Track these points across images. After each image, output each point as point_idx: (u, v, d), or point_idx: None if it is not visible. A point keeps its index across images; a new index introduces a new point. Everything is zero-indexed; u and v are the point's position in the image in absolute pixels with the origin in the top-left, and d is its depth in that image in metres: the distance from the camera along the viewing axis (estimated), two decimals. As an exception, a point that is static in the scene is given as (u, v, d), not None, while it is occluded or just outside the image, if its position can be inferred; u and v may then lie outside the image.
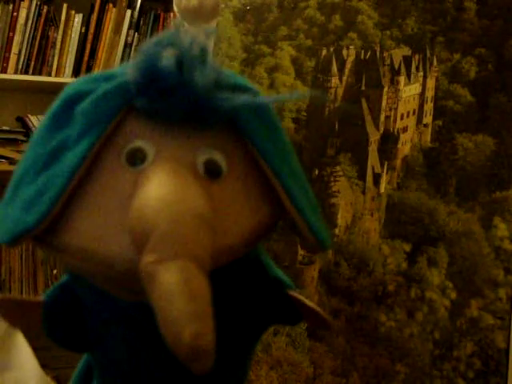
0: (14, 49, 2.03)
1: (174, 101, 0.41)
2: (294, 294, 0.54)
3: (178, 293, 0.35)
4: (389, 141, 1.33)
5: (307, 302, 0.53)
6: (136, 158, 0.41)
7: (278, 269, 0.56)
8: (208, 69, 0.42)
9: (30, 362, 0.57)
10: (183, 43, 0.41)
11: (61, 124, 0.43)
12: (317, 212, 0.46)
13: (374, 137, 1.35)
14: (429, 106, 1.28)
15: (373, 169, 1.34)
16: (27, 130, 1.96)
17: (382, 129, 1.35)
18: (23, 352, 0.56)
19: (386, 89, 1.35)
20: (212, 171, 0.42)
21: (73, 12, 2.09)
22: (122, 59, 2.05)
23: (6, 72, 2.01)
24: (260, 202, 0.44)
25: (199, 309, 0.35)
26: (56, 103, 0.45)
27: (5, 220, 0.43)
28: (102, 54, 2.09)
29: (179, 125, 0.42)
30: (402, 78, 1.33)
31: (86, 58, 2.08)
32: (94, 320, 0.52)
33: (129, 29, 2.08)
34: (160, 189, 0.38)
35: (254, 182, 0.44)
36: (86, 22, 2.09)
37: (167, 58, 0.40)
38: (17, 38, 2.04)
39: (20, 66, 2.03)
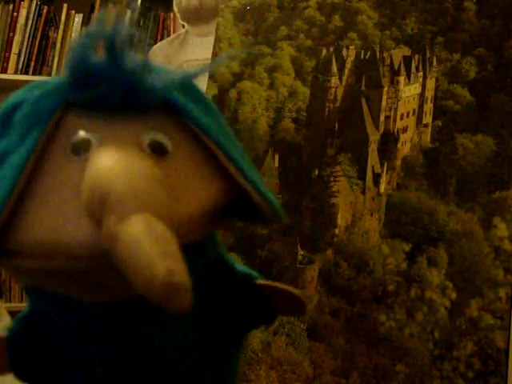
0: (14, 49, 2.03)
1: (106, 88, 0.41)
2: (261, 281, 0.54)
3: (142, 239, 0.34)
4: (389, 141, 1.33)
5: (276, 284, 0.53)
6: (81, 149, 0.41)
7: (243, 266, 0.56)
8: (134, 53, 0.43)
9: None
10: (108, 32, 0.42)
11: (1, 135, 0.43)
12: (265, 184, 0.46)
13: (374, 137, 1.36)
14: (429, 106, 1.28)
15: (373, 169, 1.34)
16: (27, 130, 1.96)
17: (381, 129, 1.35)
18: None
19: (385, 89, 1.35)
20: (158, 150, 0.42)
21: (73, 12, 2.09)
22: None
23: (6, 72, 2.02)
24: (211, 177, 0.44)
25: (168, 249, 0.34)
26: None
27: None
28: (102, 54, 2.09)
29: (119, 113, 0.43)
30: (402, 78, 1.33)
31: (86, 58, 2.08)
32: (63, 342, 0.50)
33: (129, 29, 2.08)
34: (108, 161, 0.38)
35: (202, 158, 0.44)
36: (86, 22, 2.09)
37: (94, 49, 0.42)
38: (17, 38, 2.04)
39: (20, 66, 2.04)
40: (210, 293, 0.50)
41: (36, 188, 0.41)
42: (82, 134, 0.42)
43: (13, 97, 0.46)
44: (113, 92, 0.42)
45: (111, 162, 0.38)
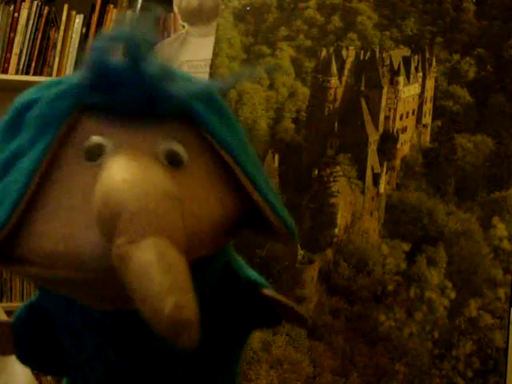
0: (15, 49, 2.04)
1: (124, 93, 0.40)
2: (267, 292, 0.52)
3: (153, 268, 0.33)
4: (388, 141, 1.34)
5: (281, 297, 0.52)
6: (94, 154, 0.40)
7: (251, 269, 0.54)
8: (155, 59, 0.41)
9: (20, 366, 0.55)
10: (129, 36, 0.40)
11: (13, 134, 0.42)
12: (281, 202, 0.45)
13: (374, 137, 1.36)
14: (428, 107, 1.29)
15: (372, 169, 1.34)
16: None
17: (381, 129, 1.35)
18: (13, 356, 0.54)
19: (385, 89, 1.35)
20: (173, 160, 0.41)
21: (74, 13, 2.10)
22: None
23: (6, 72, 2.02)
24: (225, 191, 0.43)
25: (177, 281, 0.33)
26: (5, 116, 0.44)
27: None
28: (102, 55, 2.09)
29: (136, 119, 0.41)
30: (402, 79, 1.33)
31: (86, 59, 2.09)
32: (67, 338, 0.49)
33: (129, 29, 2.09)
34: (122, 172, 0.37)
35: (217, 171, 0.43)
36: (86, 23, 2.10)
37: (114, 52, 0.40)
38: (18, 39, 2.04)
39: (21, 67, 2.04)
40: (214, 298, 0.49)
41: (46, 193, 0.39)
42: (96, 138, 0.40)
43: (25, 95, 0.44)
44: (133, 97, 0.40)
45: (126, 174, 0.36)
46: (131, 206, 0.35)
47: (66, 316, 0.48)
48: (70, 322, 0.48)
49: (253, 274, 0.53)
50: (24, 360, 0.53)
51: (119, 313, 0.42)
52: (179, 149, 0.41)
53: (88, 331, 0.47)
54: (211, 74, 1.68)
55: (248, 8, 1.70)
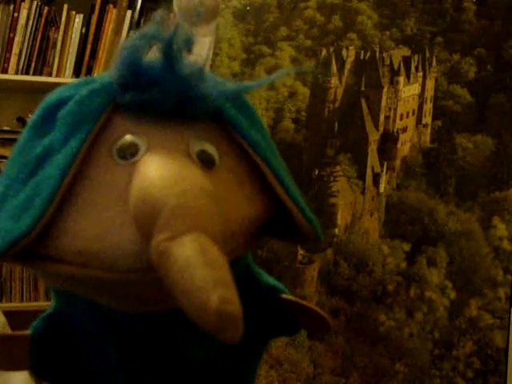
0: (15, 49, 2.04)
1: (159, 92, 0.40)
2: (288, 296, 0.52)
3: (197, 262, 0.33)
4: (388, 141, 1.34)
5: (302, 301, 0.51)
6: (128, 153, 0.40)
7: (269, 276, 0.54)
8: (192, 59, 0.41)
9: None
10: (166, 35, 0.40)
11: (44, 131, 0.41)
12: (307, 202, 0.45)
13: (374, 137, 1.36)
14: (428, 107, 1.29)
15: (372, 169, 1.34)
16: (28, 131, 1.97)
17: (381, 129, 1.35)
18: None
19: (385, 89, 1.35)
20: (206, 161, 0.41)
21: (73, 13, 2.10)
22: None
23: (6, 72, 2.02)
24: (255, 192, 0.43)
25: (221, 275, 0.33)
26: (37, 113, 0.44)
27: None
28: (102, 55, 2.09)
29: (169, 119, 0.41)
30: (402, 79, 1.33)
31: (86, 59, 2.09)
32: (87, 348, 0.48)
33: (129, 29, 2.09)
34: (159, 170, 0.37)
35: (247, 172, 0.43)
36: (86, 23, 2.10)
37: (151, 50, 0.40)
38: (17, 39, 2.04)
39: (21, 67, 2.04)
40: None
41: (79, 191, 0.39)
42: (129, 137, 0.40)
43: (57, 92, 0.43)
44: (166, 97, 0.40)
45: (162, 173, 0.36)
46: (171, 202, 0.34)
47: (88, 323, 0.47)
48: (91, 329, 0.47)
49: (272, 279, 0.53)
50: (38, 374, 0.51)
51: (147, 316, 0.42)
52: (211, 149, 0.41)
53: (110, 339, 0.46)
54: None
55: (248, 8, 1.70)
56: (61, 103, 0.42)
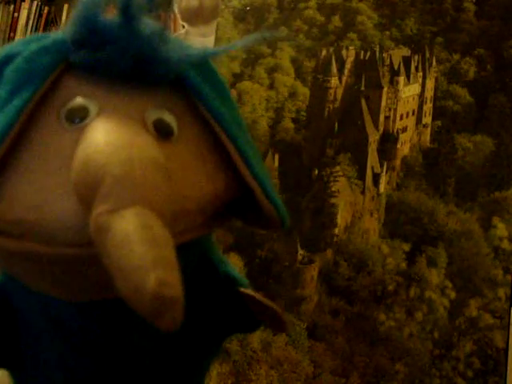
0: (15, 49, 2.04)
1: (114, 51, 0.36)
2: (246, 290, 0.47)
3: (136, 239, 0.30)
4: (388, 141, 1.34)
5: (261, 298, 0.46)
6: (77, 116, 0.36)
7: (231, 266, 0.49)
8: (150, 20, 0.38)
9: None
10: None
11: None
12: (273, 184, 0.41)
13: (374, 137, 1.36)
14: (428, 107, 1.29)
15: (372, 169, 1.34)
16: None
17: (381, 129, 1.35)
18: None
19: (385, 89, 1.35)
20: (162, 131, 0.37)
21: (73, 12, 2.10)
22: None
23: (6, 72, 2.02)
24: (216, 169, 0.39)
25: (162, 255, 0.30)
26: None
27: None
28: (102, 55, 2.09)
29: (125, 83, 0.37)
30: (402, 79, 1.33)
31: (86, 59, 2.09)
32: (27, 332, 0.44)
33: (129, 29, 2.09)
34: (107, 135, 0.33)
35: (208, 146, 0.39)
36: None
37: (107, 8, 0.37)
38: (18, 39, 2.04)
39: (21, 67, 2.04)
40: (189, 292, 0.43)
41: (21, 155, 0.35)
42: (79, 99, 0.36)
43: (6, 48, 0.40)
44: (122, 57, 0.36)
45: (110, 138, 0.33)
46: (115, 170, 0.31)
47: (29, 314, 0.43)
48: (31, 321, 0.43)
49: (233, 271, 0.48)
50: None
51: (91, 305, 0.38)
52: (170, 119, 0.38)
53: (50, 334, 0.42)
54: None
55: (248, 8, 1.70)
56: (8, 59, 0.38)
